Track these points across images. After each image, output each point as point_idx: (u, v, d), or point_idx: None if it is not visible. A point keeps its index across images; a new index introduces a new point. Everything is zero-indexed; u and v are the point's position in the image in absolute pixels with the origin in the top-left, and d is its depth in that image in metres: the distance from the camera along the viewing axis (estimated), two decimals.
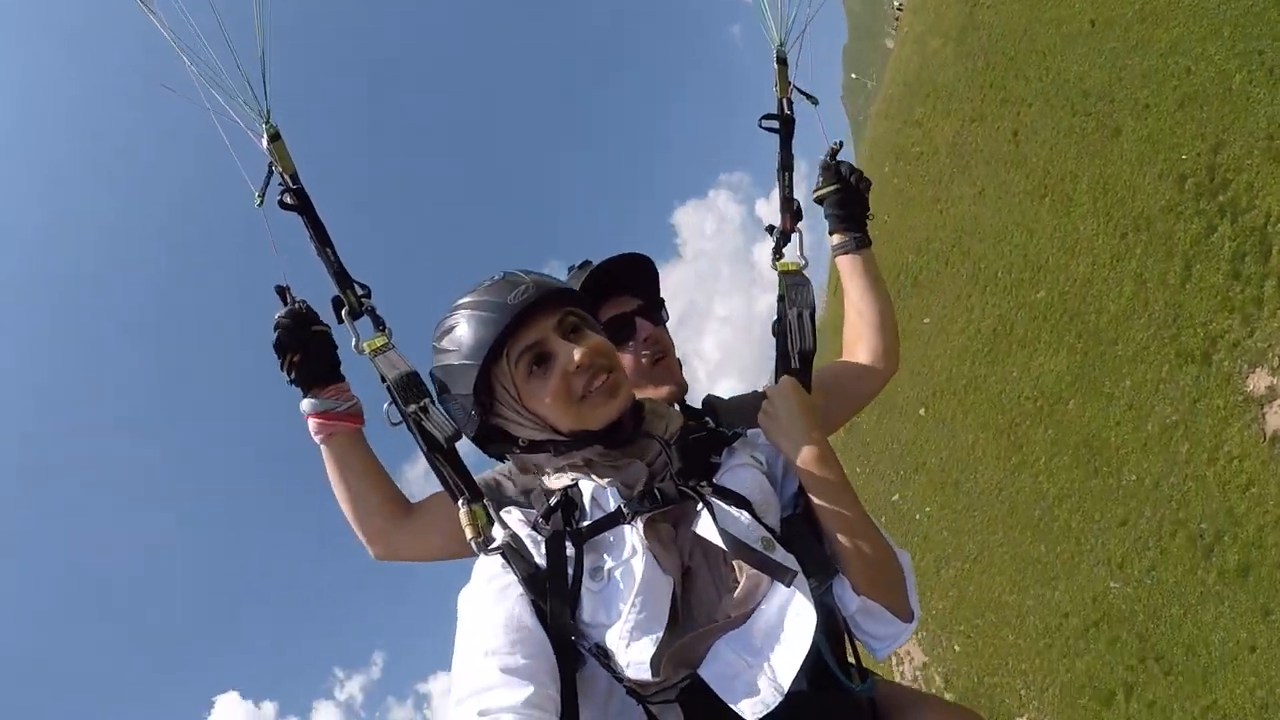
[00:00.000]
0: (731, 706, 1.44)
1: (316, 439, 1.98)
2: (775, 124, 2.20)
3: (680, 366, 2.32)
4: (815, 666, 1.56)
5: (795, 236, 2.15)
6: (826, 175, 2.30)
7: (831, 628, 1.62)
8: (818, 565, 1.61)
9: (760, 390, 2.12)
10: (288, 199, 1.88)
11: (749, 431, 1.84)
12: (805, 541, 1.63)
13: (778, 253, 2.13)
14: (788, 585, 1.52)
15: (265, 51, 1.82)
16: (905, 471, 17.86)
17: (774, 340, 2.07)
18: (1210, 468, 10.59)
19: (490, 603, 1.55)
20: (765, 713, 1.42)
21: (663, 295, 2.41)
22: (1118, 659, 11.27)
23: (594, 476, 1.67)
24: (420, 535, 2.02)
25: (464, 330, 1.65)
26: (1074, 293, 13.45)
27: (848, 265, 2.29)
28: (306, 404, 1.94)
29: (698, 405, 2.26)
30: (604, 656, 1.53)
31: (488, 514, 1.69)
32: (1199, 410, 10.95)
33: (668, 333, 2.36)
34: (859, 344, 2.29)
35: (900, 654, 17.10)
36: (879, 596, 1.61)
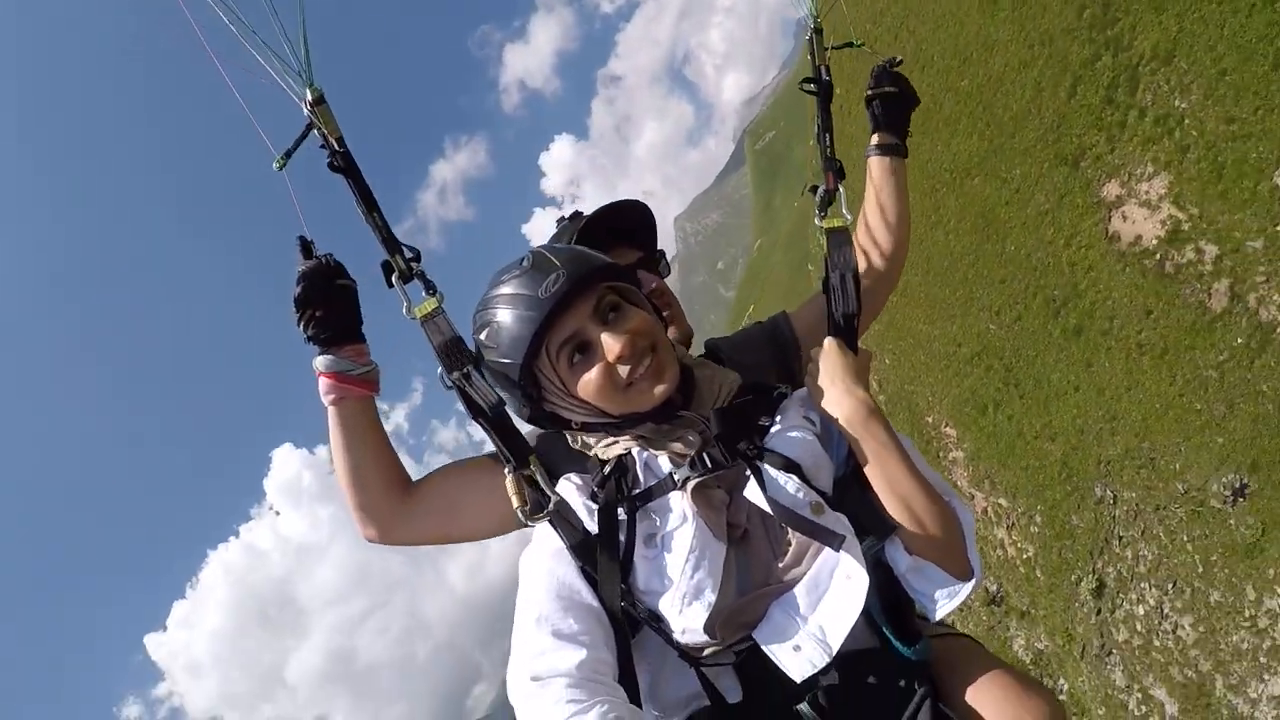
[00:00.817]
0: (778, 665, 1.51)
1: (326, 400, 1.86)
2: (813, 88, 2.19)
3: (684, 317, 2.33)
4: (870, 621, 1.62)
5: (840, 195, 2.07)
6: (885, 78, 2.27)
7: (890, 587, 1.64)
8: (872, 524, 1.62)
9: (761, 322, 2.20)
10: (335, 162, 1.80)
11: (798, 392, 1.82)
12: (859, 501, 1.64)
13: (822, 211, 2.05)
14: (836, 550, 1.54)
15: (303, 8, 1.72)
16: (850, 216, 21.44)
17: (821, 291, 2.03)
18: (1065, 251, 14.39)
19: (544, 569, 1.62)
20: (812, 672, 1.49)
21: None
22: (990, 382, 15.86)
23: (647, 447, 1.71)
24: (417, 519, 1.96)
25: (499, 326, 1.63)
26: (989, 87, 16.23)
27: (883, 168, 2.25)
28: (321, 361, 1.84)
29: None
30: (656, 621, 1.59)
31: (537, 479, 1.70)
32: (1064, 204, 14.49)
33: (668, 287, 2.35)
34: (873, 253, 2.24)
35: None
36: (930, 555, 1.59)
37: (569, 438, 1.84)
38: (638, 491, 1.66)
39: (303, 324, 1.81)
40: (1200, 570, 11.62)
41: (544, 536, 1.67)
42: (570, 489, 1.73)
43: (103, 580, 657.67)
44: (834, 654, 1.48)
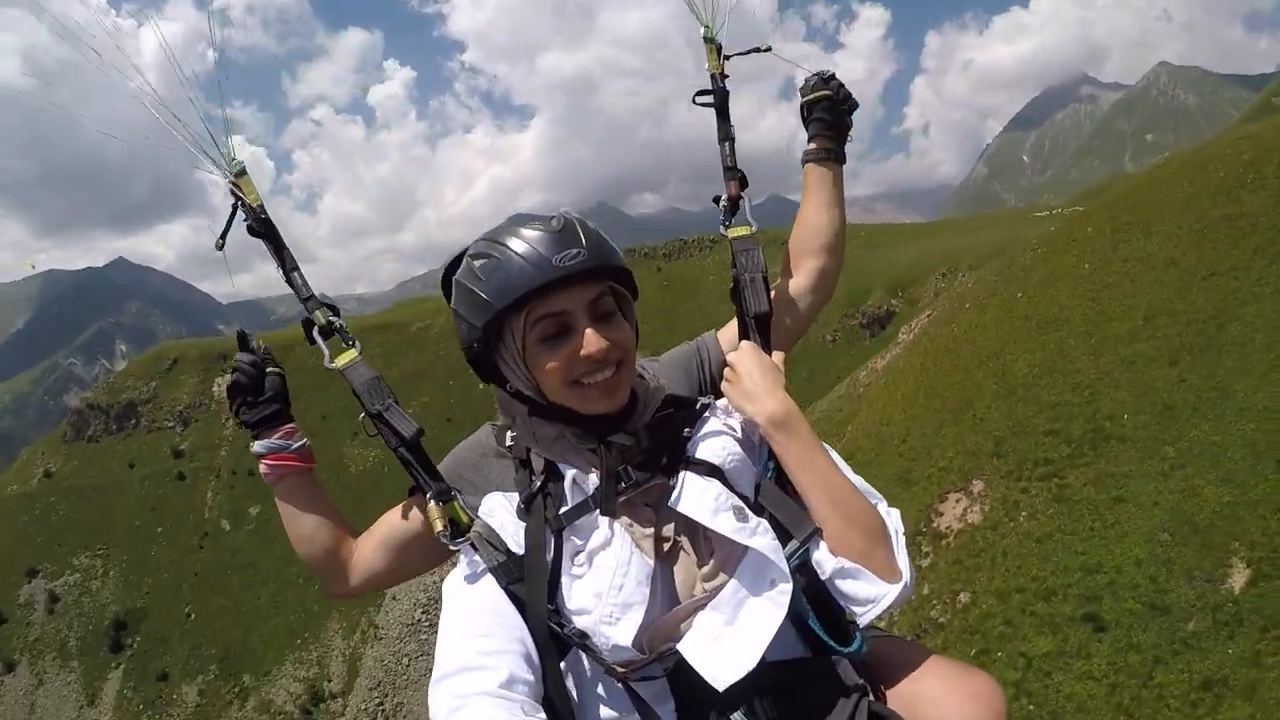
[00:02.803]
0: (702, 675, 1.47)
1: (268, 480, 1.91)
2: (710, 99, 2.17)
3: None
4: (801, 630, 1.59)
5: (743, 203, 2.10)
6: (817, 83, 2.15)
7: (818, 591, 1.61)
8: (796, 526, 1.60)
9: (690, 342, 2.12)
10: (256, 227, 1.90)
11: (720, 401, 1.82)
12: (781, 504, 1.64)
13: (727, 221, 2.07)
14: (757, 556, 1.53)
15: (224, 93, 1.87)
16: None
17: (734, 305, 2.01)
18: None
19: (469, 588, 1.59)
20: (735, 679, 1.46)
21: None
22: None
23: (569, 459, 1.67)
24: (368, 571, 1.97)
25: (498, 266, 1.60)
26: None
27: (817, 175, 2.16)
28: (259, 445, 1.88)
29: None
30: (583, 638, 1.54)
31: (456, 505, 1.70)
32: None
33: None
34: (806, 261, 2.16)
35: None
36: (855, 556, 1.57)
37: (499, 408, 1.86)
38: (565, 510, 1.63)
39: (236, 409, 1.87)
40: None
41: (470, 556, 1.64)
42: (498, 505, 1.70)
43: None
44: (757, 661, 1.47)
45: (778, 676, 1.54)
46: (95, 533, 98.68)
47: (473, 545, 1.63)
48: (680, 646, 1.51)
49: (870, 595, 1.56)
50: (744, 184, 2.12)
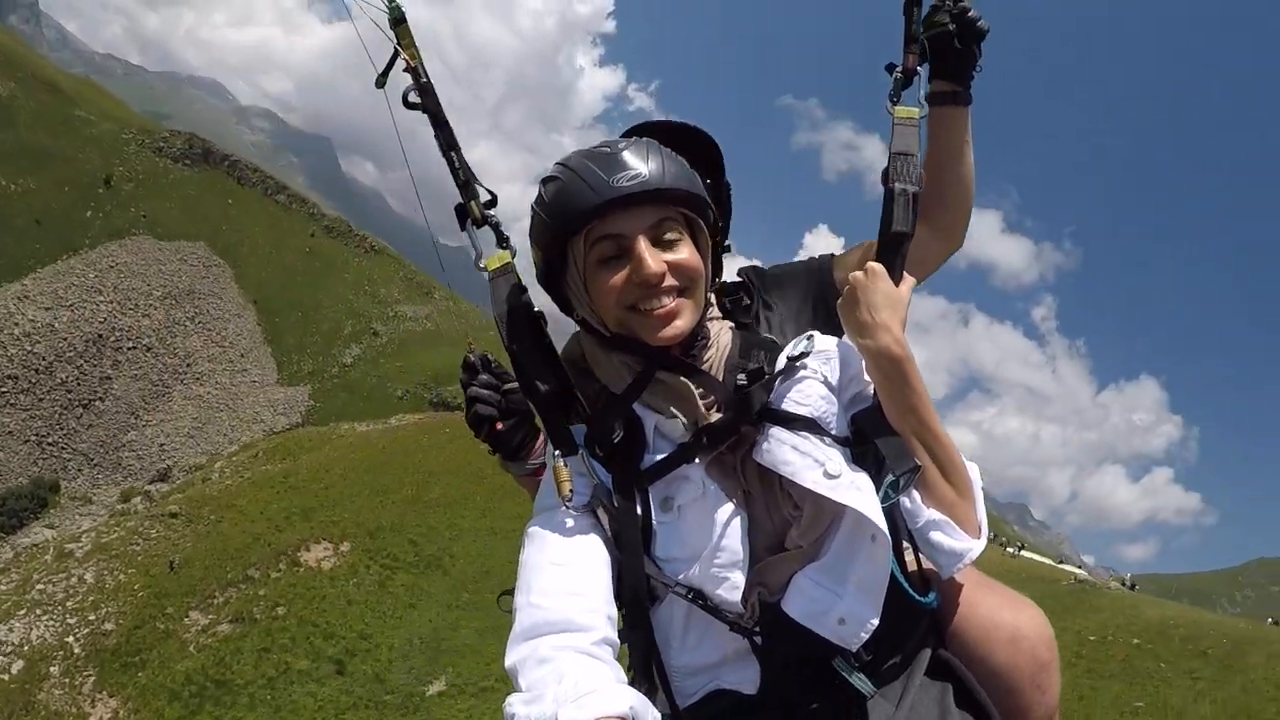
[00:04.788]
0: (830, 640, 1.47)
1: (527, 489, 1.86)
2: None
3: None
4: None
5: (919, 80, 1.78)
6: (936, 12, 1.81)
7: (902, 535, 1.57)
8: (896, 459, 1.51)
9: (810, 259, 1.96)
10: (413, 97, 1.76)
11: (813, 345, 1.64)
12: (882, 434, 1.55)
13: (895, 96, 1.77)
14: (853, 512, 1.45)
15: None
16: None
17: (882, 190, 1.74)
18: None
19: (560, 539, 1.55)
20: (863, 642, 1.47)
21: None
22: None
23: (649, 405, 1.61)
24: None
25: (560, 189, 1.55)
26: None
27: (941, 120, 1.85)
28: (517, 469, 1.85)
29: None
30: (698, 595, 1.53)
31: (585, 467, 1.61)
32: None
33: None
34: (931, 212, 1.86)
35: None
36: (949, 509, 1.51)
37: (581, 340, 1.77)
38: (651, 464, 1.58)
39: (484, 439, 1.80)
40: None
41: (562, 507, 1.58)
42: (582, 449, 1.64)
43: None
44: (878, 620, 1.46)
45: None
46: None
47: (593, 511, 1.61)
48: (789, 610, 1.50)
49: (957, 549, 1.52)
50: (924, 57, 1.79)
